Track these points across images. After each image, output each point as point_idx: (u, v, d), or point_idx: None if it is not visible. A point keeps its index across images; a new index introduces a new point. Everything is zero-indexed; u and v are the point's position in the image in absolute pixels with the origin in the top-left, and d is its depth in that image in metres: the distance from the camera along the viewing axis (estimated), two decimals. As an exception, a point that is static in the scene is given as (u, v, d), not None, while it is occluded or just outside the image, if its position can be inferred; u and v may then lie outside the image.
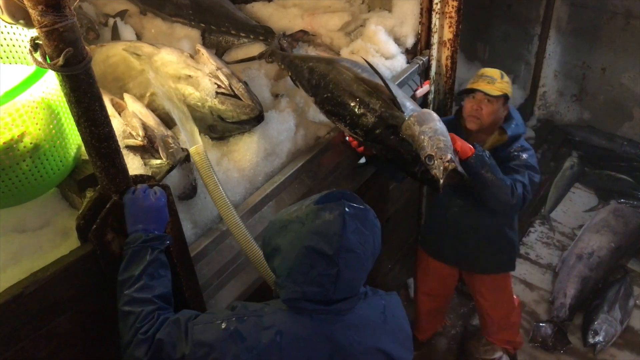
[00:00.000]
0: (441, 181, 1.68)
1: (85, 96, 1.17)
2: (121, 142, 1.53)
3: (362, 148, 2.07)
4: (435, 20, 2.46)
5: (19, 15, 1.11)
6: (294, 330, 1.25)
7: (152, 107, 1.91)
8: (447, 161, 1.68)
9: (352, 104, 1.85)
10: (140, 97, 1.94)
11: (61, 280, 1.31)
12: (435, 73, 2.61)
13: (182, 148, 1.69)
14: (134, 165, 1.62)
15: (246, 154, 1.91)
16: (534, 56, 4.47)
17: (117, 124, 1.68)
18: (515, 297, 2.83)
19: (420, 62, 2.54)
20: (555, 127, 4.60)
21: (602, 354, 3.05)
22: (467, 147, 1.98)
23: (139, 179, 1.44)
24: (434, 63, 2.58)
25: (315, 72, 1.99)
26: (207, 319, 1.29)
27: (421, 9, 2.49)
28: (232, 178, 1.85)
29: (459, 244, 2.54)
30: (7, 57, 1.44)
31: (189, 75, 1.89)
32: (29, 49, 1.14)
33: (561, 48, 4.33)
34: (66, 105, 1.22)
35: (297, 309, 1.27)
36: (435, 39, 2.51)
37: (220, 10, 2.63)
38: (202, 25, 2.63)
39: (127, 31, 2.53)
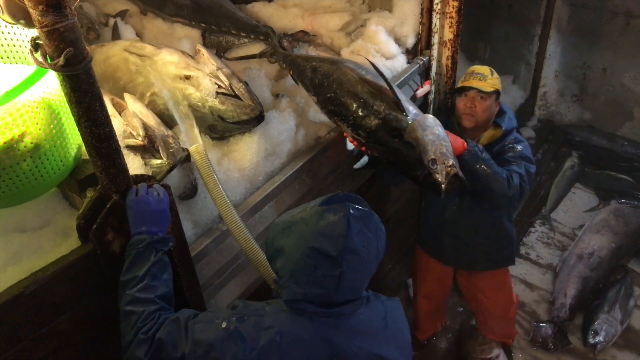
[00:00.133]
0: (443, 186, 1.69)
1: (85, 96, 1.17)
2: (122, 142, 1.53)
3: (363, 147, 2.07)
4: (435, 20, 2.46)
5: (20, 15, 1.11)
6: (294, 332, 1.25)
7: (152, 107, 1.91)
8: (449, 166, 1.69)
9: (356, 105, 1.84)
10: (140, 97, 1.94)
11: (61, 280, 1.32)
12: (436, 73, 2.61)
13: (182, 148, 1.69)
14: (135, 165, 1.62)
15: (246, 153, 1.91)
16: (534, 56, 4.46)
17: (117, 123, 1.68)
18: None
19: (421, 62, 2.54)
20: (556, 127, 4.60)
21: (603, 354, 3.05)
22: (459, 143, 1.99)
23: (140, 178, 1.44)
24: (434, 63, 2.57)
25: (318, 71, 1.98)
26: (208, 318, 1.29)
27: (422, 9, 2.49)
28: (233, 178, 1.85)
29: (459, 243, 2.55)
30: (8, 57, 1.44)
31: (190, 76, 1.89)
32: (30, 49, 1.14)
33: (562, 48, 4.33)
34: (67, 105, 1.22)
35: (298, 310, 1.26)
36: (435, 39, 2.51)
37: (221, 10, 2.63)
38: (203, 25, 2.63)
39: (127, 31, 2.53)
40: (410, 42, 2.57)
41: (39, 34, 1.08)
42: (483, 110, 2.27)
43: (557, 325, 3.14)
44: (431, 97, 2.65)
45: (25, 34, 1.42)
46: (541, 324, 3.17)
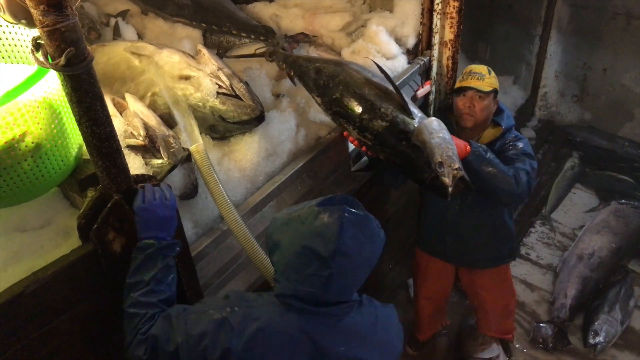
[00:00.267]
0: (450, 189, 1.70)
1: (86, 96, 1.17)
2: (122, 142, 1.53)
3: (364, 148, 2.07)
4: (436, 20, 2.46)
5: (21, 15, 1.11)
6: (281, 325, 1.27)
7: (153, 107, 1.91)
8: (456, 169, 1.71)
9: (363, 107, 1.84)
10: (141, 97, 1.94)
11: (62, 280, 1.32)
12: (436, 73, 2.61)
13: (183, 148, 1.69)
14: (135, 164, 1.62)
15: (247, 153, 1.91)
16: (535, 57, 4.46)
17: (118, 123, 1.69)
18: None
19: (422, 63, 2.54)
20: (556, 128, 4.59)
21: (603, 354, 3.04)
22: (462, 146, 2.00)
23: (140, 178, 1.45)
24: (435, 63, 2.57)
25: (323, 72, 1.97)
26: (200, 309, 1.32)
27: (422, 9, 2.49)
28: (233, 178, 1.85)
29: (461, 242, 2.56)
30: (9, 57, 1.44)
31: (190, 76, 1.89)
32: (31, 49, 1.14)
33: (562, 49, 4.33)
34: (67, 104, 1.22)
35: (287, 305, 1.29)
36: (436, 39, 2.51)
37: (222, 10, 2.64)
38: (204, 25, 2.63)
39: (128, 31, 2.54)
40: (411, 42, 2.57)
41: (40, 33, 1.09)
42: (481, 109, 2.28)
43: (557, 326, 3.14)
44: (432, 97, 2.65)
45: (27, 34, 1.42)
46: (541, 325, 3.17)
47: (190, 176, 1.74)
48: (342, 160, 2.22)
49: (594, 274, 3.39)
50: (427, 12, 2.48)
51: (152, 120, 1.76)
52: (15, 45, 1.43)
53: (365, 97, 1.85)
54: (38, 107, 1.25)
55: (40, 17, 1.05)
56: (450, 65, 2.57)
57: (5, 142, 1.21)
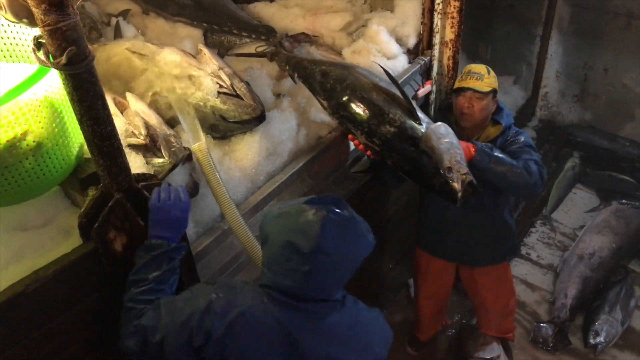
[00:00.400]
0: (459, 193, 1.71)
1: (87, 95, 1.17)
2: (123, 141, 1.53)
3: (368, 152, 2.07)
4: (437, 20, 2.46)
5: (23, 14, 1.12)
6: (261, 314, 1.31)
7: (154, 106, 1.91)
8: (464, 174, 1.72)
9: (372, 113, 1.83)
10: (142, 96, 1.95)
11: (63, 279, 1.32)
12: (437, 73, 2.61)
13: (184, 147, 1.69)
14: (136, 163, 1.63)
15: (248, 153, 1.91)
16: (535, 57, 4.46)
17: (119, 122, 1.69)
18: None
19: (422, 63, 2.54)
20: (557, 128, 4.59)
21: (603, 354, 3.04)
22: (466, 149, 2.00)
23: (141, 177, 1.45)
24: (435, 63, 2.58)
25: (330, 75, 1.96)
26: (187, 296, 1.36)
27: (423, 9, 2.49)
28: (234, 177, 1.85)
29: (462, 242, 2.56)
30: (11, 56, 1.44)
31: (191, 75, 1.89)
32: (32, 48, 1.14)
33: (563, 49, 4.33)
34: (69, 103, 1.23)
35: (269, 296, 1.33)
36: (437, 39, 2.51)
37: (223, 10, 2.64)
38: (205, 24, 2.63)
39: (129, 30, 2.53)
40: (412, 42, 2.57)
41: (42, 32, 1.09)
42: (480, 109, 2.28)
43: (557, 326, 3.14)
44: (432, 97, 2.65)
45: (28, 33, 1.43)
46: (542, 325, 3.17)
47: (192, 175, 1.74)
48: (343, 160, 2.22)
49: (595, 274, 3.38)
50: (428, 11, 2.48)
51: (153, 119, 1.76)
52: (17, 44, 1.44)
53: (373, 101, 1.84)
54: (39, 106, 1.25)
55: (42, 16, 1.05)
56: (451, 65, 2.57)
57: (7, 141, 1.21)
